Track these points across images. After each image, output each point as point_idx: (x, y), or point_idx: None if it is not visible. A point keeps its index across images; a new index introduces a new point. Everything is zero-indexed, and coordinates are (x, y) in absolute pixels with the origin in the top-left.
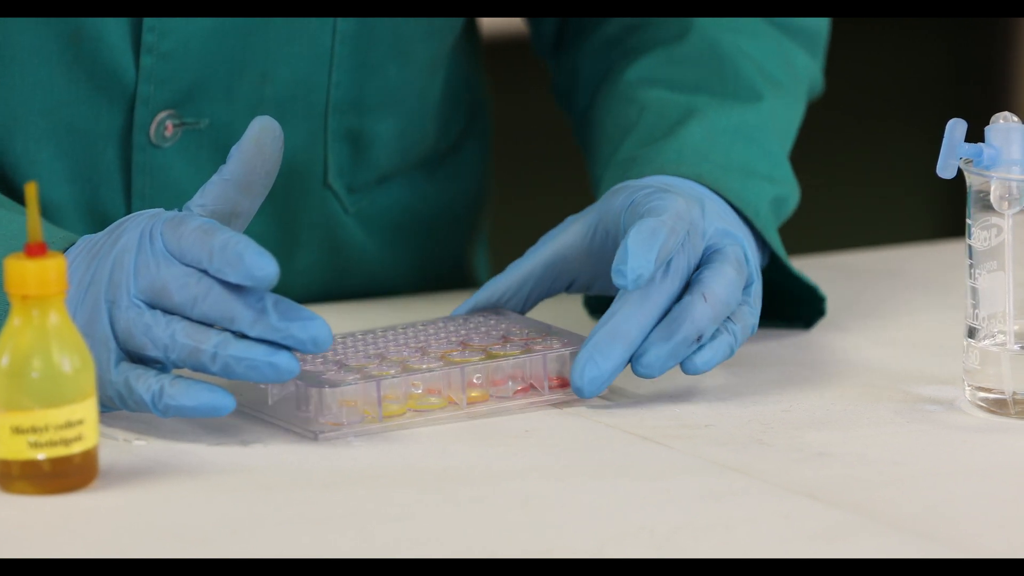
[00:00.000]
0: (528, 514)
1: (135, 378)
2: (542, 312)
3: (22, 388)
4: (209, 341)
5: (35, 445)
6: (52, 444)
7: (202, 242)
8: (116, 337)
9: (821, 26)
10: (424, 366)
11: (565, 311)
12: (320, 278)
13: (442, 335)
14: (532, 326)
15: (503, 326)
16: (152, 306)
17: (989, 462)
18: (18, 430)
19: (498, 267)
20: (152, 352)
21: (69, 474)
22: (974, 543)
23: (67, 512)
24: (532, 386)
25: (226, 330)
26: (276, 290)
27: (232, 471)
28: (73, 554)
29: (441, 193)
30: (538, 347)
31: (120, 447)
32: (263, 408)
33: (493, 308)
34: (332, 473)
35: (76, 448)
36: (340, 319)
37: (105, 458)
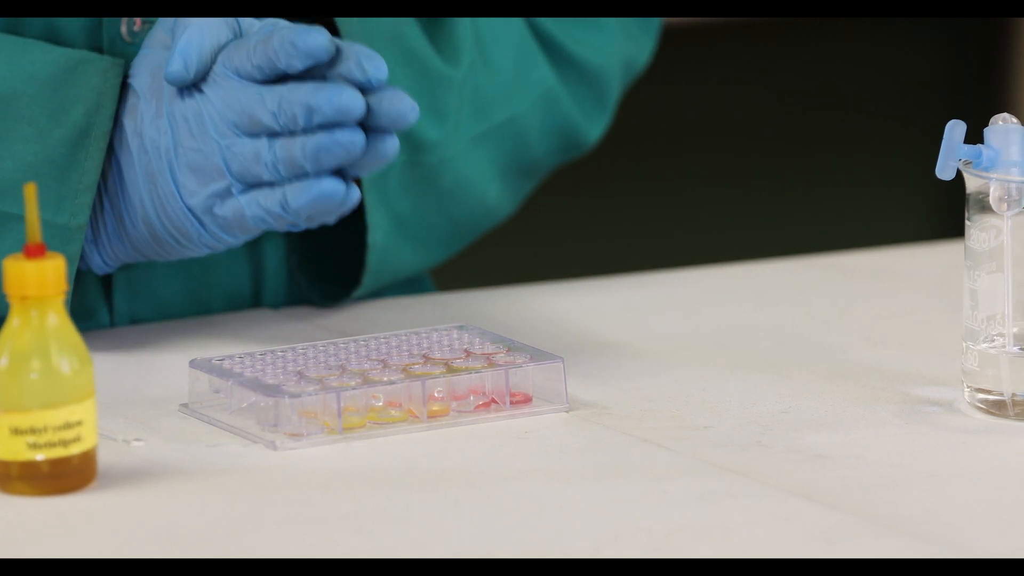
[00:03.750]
0: (527, 515)
1: (260, 197)
2: (506, 327)
3: (21, 389)
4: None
5: (34, 446)
6: (51, 445)
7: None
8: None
9: (603, 69)
10: (385, 378)
11: (530, 328)
12: None
13: (404, 348)
14: (495, 340)
15: (465, 340)
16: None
17: (988, 464)
18: (17, 431)
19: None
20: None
21: (68, 475)
22: (973, 545)
23: (66, 513)
24: (494, 401)
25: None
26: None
27: (232, 471)
28: (72, 554)
29: None
30: (500, 362)
31: (119, 447)
32: (221, 417)
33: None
34: (332, 473)
35: (75, 449)
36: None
37: (104, 459)
